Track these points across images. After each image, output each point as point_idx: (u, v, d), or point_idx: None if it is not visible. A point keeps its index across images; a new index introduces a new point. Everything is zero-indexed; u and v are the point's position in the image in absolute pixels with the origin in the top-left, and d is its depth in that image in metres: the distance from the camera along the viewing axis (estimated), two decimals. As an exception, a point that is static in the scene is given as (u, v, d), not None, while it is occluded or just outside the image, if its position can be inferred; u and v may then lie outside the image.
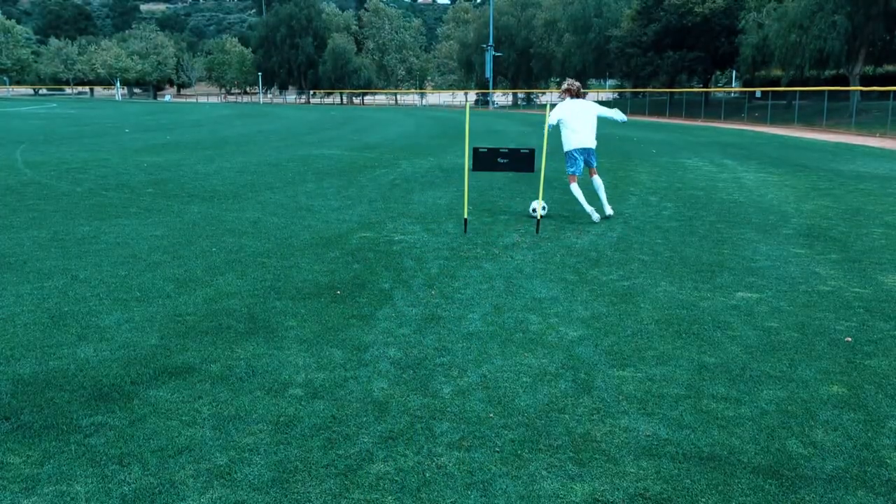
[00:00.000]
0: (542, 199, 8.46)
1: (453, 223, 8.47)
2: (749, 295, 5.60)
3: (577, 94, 8.89)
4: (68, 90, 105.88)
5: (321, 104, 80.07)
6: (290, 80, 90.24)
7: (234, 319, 4.90)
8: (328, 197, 10.40)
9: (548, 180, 11.84)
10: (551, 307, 5.26)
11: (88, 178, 12.30)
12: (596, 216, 8.63)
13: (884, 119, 28.55)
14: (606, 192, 9.07)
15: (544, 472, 3.04)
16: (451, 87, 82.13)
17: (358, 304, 5.27)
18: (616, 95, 61.85)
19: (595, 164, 8.86)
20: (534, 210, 8.58)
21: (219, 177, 12.56)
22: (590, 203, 8.78)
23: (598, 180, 8.91)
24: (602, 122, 9.04)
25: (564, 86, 8.97)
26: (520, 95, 71.74)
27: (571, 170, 8.72)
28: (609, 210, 8.93)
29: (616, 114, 8.85)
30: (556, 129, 8.88)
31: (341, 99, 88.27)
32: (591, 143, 8.71)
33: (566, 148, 8.77)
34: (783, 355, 4.36)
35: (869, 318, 5.06)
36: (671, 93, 46.53)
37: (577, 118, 8.65)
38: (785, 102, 38.46)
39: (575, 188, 8.77)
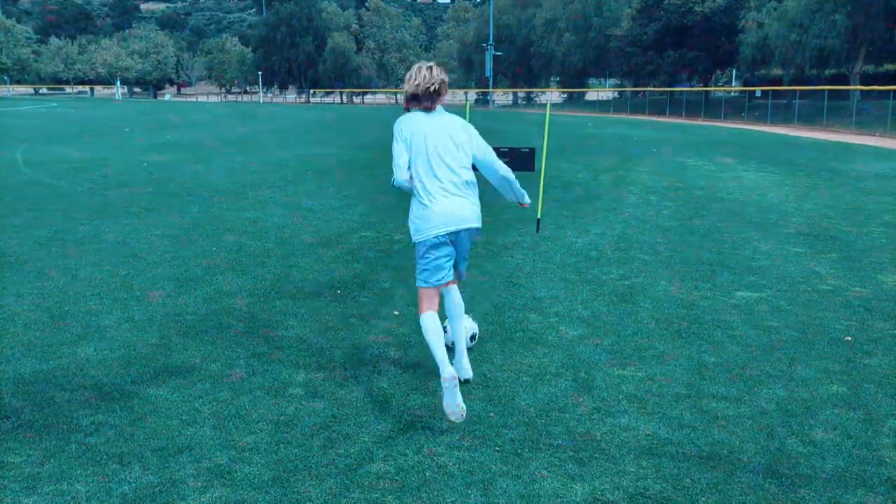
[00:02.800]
0: (469, 323, 4.47)
1: (453, 222, 8.45)
2: (749, 294, 5.60)
3: None
4: (68, 90, 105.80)
5: (321, 103, 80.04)
6: (290, 79, 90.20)
7: (234, 319, 4.91)
8: (328, 196, 10.40)
9: (548, 179, 11.82)
10: (551, 306, 5.26)
11: (88, 177, 12.30)
12: None
13: (884, 118, 28.53)
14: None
15: (544, 472, 3.04)
16: (450, 86, 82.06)
17: (358, 304, 5.27)
18: (616, 94, 61.80)
19: None
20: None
21: (219, 176, 12.55)
22: None
23: None
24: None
25: None
26: (520, 95, 71.71)
27: None
28: None
29: None
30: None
31: (341, 98, 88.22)
32: None
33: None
34: (783, 354, 4.36)
35: (869, 318, 5.06)
36: (671, 92, 46.51)
37: None
38: (785, 102, 38.42)
39: None
